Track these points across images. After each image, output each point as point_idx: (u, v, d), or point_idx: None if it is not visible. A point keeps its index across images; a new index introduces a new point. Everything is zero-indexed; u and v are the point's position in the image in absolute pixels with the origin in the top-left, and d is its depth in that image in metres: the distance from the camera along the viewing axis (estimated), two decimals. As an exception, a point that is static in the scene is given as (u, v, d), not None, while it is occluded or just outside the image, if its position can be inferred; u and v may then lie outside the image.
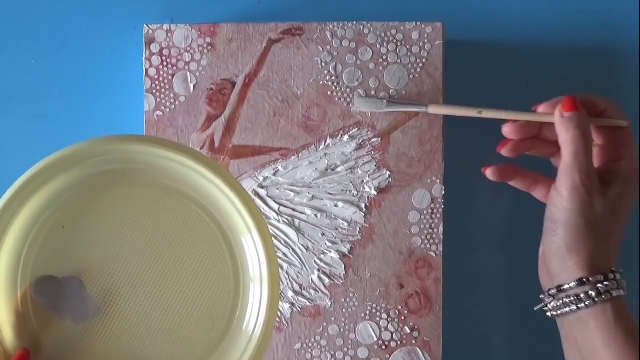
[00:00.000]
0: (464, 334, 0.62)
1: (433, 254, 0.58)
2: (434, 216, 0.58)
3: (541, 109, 0.54)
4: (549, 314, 0.53)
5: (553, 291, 0.52)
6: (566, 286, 0.51)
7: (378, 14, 0.60)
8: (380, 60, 0.58)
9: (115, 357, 0.50)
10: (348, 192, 0.58)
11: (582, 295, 0.50)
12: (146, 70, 0.58)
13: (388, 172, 0.58)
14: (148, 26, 0.58)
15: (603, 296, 0.49)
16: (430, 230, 0.58)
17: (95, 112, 0.61)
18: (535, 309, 0.54)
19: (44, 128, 0.61)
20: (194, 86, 0.58)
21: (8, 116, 0.61)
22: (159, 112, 0.58)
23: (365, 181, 0.58)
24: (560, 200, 0.51)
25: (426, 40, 0.58)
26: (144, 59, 0.58)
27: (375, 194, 0.58)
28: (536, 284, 0.62)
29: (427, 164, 0.58)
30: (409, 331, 0.58)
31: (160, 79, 0.58)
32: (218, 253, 0.50)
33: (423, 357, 0.58)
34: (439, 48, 0.58)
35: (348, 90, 0.58)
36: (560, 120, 0.52)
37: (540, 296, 0.54)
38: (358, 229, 0.58)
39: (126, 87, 0.61)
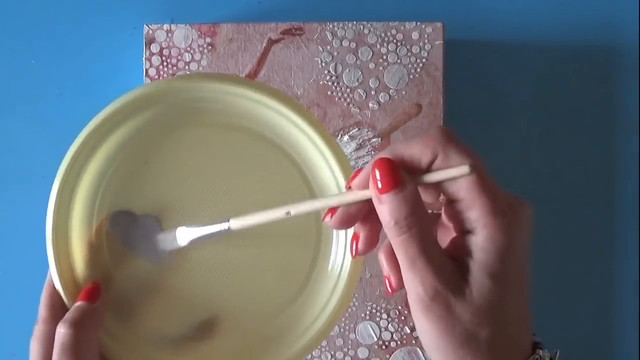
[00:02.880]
0: (464, 334, 0.62)
1: (433, 254, 0.58)
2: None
3: (354, 185, 0.39)
4: None
5: None
6: None
7: (378, 14, 0.60)
8: (380, 60, 0.58)
9: (189, 298, 0.48)
10: (348, 192, 0.58)
11: None
12: (146, 70, 0.58)
13: (388, 172, 0.58)
14: (148, 26, 0.58)
15: None
16: (430, 230, 0.58)
17: (95, 112, 0.61)
18: None
19: (44, 128, 0.61)
20: (194, 86, 0.58)
21: (8, 116, 0.61)
22: (159, 112, 0.58)
23: (365, 181, 0.58)
24: (418, 324, 0.38)
25: (426, 40, 0.58)
26: (144, 59, 0.58)
27: (375, 194, 0.58)
28: (536, 283, 0.62)
29: (427, 164, 0.58)
30: (409, 331, 0.58)
31: (160, 79, 0.58)
32: (298, 192, 0.48)
33: (423, 357, 0.58)
34: (439, 48, 0.58)
35: (348, 90, 0.58)
36: (380, 209, 0.37)
37: None
38: (358, 229, 0.58)
39: (126, 87, 0.61)
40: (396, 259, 0.38)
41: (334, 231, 0.47)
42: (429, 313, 0.37)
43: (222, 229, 0.44)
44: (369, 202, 0.39)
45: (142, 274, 0.48)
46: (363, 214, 0.40)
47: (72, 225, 0.46)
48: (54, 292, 0.45)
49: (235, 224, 0.43)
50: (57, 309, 0.45)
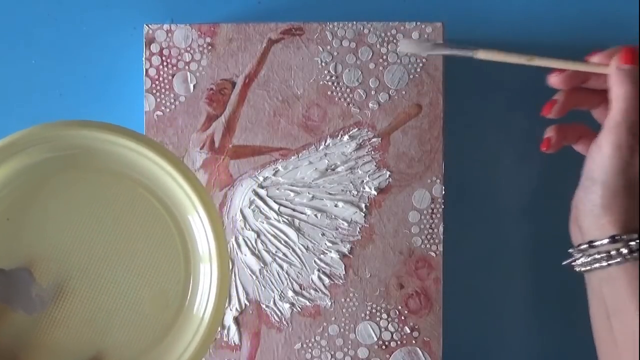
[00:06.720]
0: (464, 334, 0.62)
1: (433, 254, 0.58)
2: (434, 216, 0.58)
3: (595, 58, 0.52)
4: (577, 269, 0.52)
5: (584, 246, 0.51)
6: (598, 243, 0.50)
7: (378, 14, 0.60)
8: (380, 60, 0.58)
9: (70, 345, 0.49)
10: (348, 192, 0.58)
11: (612, 253, 0.49)
12: (146, 70, 0.58)
13: (388, 172, 0.58)
14: (148, 26, 0.58)
15: (635, 254, 0.49)
16: (430, 230, 0.58)
17: (95, 112, 0.61)
18: (563, 263, 0.53)
19: (44, 128, 0.61)
20: (194, 86, 0.58)
21: (8, 116, 0.61)
22: (159, 112, 0.58)
23: (365, 181, 0.58)
24: (601, 158, 0.49)
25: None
26: (144, 59, 0.58)
27: (375, 194, 0.58)
28: (536, 284, 0.62)
29: (427, 164, 0.58)
30: (409, 331, 0.58)
31: (160, 79, 0.58)
32: (167, 234, 0.50)
33: (423, 357, 0.58)
34: (439, 48, 0.58)
35: (348, 90, 0.58)
36: (615, 73, 0.50)
37: (569, 250, 0.53)
38: (358, 229, 0.58)
39: (126, 87, 0.61)
40: (567, 130, 0.53)
41: (201, 276, 0.50)
42: (618, 152, 0.49)
43: (468, 54, 0.52)
44: (583, 78, 0.52)
45: (21, 327, 0.49)
46: (576, 83, 0.52)
47: None
48: None
49: (482, 54, 0.52)
50: None
